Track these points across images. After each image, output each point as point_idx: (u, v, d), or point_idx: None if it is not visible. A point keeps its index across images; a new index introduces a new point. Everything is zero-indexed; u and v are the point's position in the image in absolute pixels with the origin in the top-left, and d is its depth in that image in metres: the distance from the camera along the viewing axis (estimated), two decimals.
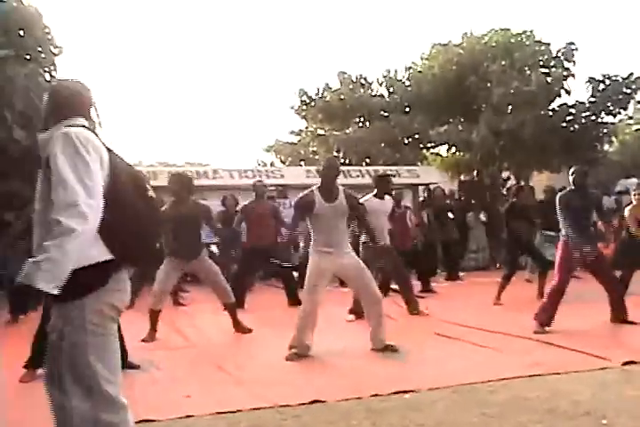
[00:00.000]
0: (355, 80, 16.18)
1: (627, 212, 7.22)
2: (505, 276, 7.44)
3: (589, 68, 44.69)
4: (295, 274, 8.28)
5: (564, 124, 13.44)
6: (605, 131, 13.86)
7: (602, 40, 51.35)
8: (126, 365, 3.99)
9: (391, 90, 15.60)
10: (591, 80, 13.37)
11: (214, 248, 9.96)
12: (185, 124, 71.22)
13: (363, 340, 5.01)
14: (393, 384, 3.81)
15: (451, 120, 13.91)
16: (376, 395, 3.63)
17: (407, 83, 15.18)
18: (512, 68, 13.27)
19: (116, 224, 2.04)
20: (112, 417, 2.07)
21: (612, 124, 14.19)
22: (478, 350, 4.78)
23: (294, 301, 7.19)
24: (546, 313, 5.48)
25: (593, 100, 13.39)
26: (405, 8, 60.09)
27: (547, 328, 5.41)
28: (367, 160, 15.54)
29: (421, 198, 12.88)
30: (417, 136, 15.11)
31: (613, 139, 15.29)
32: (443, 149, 15.90)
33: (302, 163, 17.43)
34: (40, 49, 10.11)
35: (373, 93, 16.13)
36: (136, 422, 2.28)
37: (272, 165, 18.57)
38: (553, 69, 13.38)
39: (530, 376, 3.94)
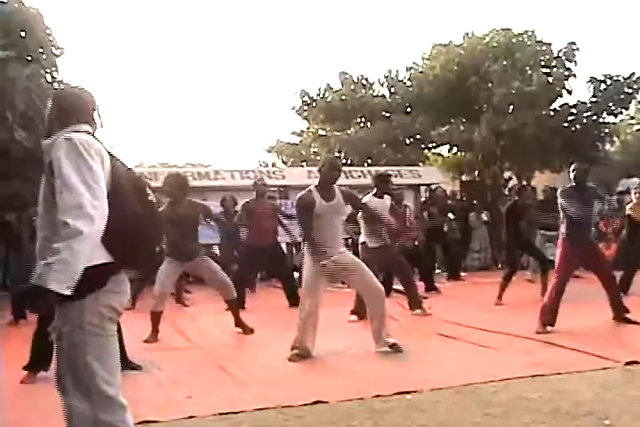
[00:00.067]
0: (356, 80, 16.15)
1: (628, 210, 7.22)
2: (505, 276, 7.39)
3: (591, 67, 44.64)
4: (295, 274, 8.28)
5: (566, 124, 13.46)
6: (607, 131, 13.88)
7: (603, 40, 51.29)
8: (125, 365, 3.99)
9: (392, 90, 15.58)
10: (592, 80, 13.38)
11: (215, 249, 9.97)
12: (186, 125, 71.19)
13: (365, 340, 4.99)
14: (395, 385, 3.81)
15: (452, 120, 13.89)
16: (378, 396, 3.63)
17: (408, 83, 15.18)
18: (513, 69, 13.28)
19: (116, 228, 2.05)
20: (111, 417, 2.08)
21: (614, 124, 14.22)
22: (480, 351, 4.78)
23: (295, 301, 7.16)
24: (548, 313, 5.47)
25: (594, 100, 13.40)
26: (406, 8, 60.11)
27: (549, 328, 5.39)
28: (369, 160, 15.51)
29: (423, 199, 12.87)
30: (418, 136, 15.10)
31: (615, 139, 15.33)
32: (444, 150, 15.94)
33: (304, 163, 17.39)
34: (41, 50, 10.15)
35: (375, 94, 16.10)
36: (138, 423, 2.29)
37: (273, 165, 18.53)
38: (554, 69, 13.40)
39: (532, 376, 3.93)
